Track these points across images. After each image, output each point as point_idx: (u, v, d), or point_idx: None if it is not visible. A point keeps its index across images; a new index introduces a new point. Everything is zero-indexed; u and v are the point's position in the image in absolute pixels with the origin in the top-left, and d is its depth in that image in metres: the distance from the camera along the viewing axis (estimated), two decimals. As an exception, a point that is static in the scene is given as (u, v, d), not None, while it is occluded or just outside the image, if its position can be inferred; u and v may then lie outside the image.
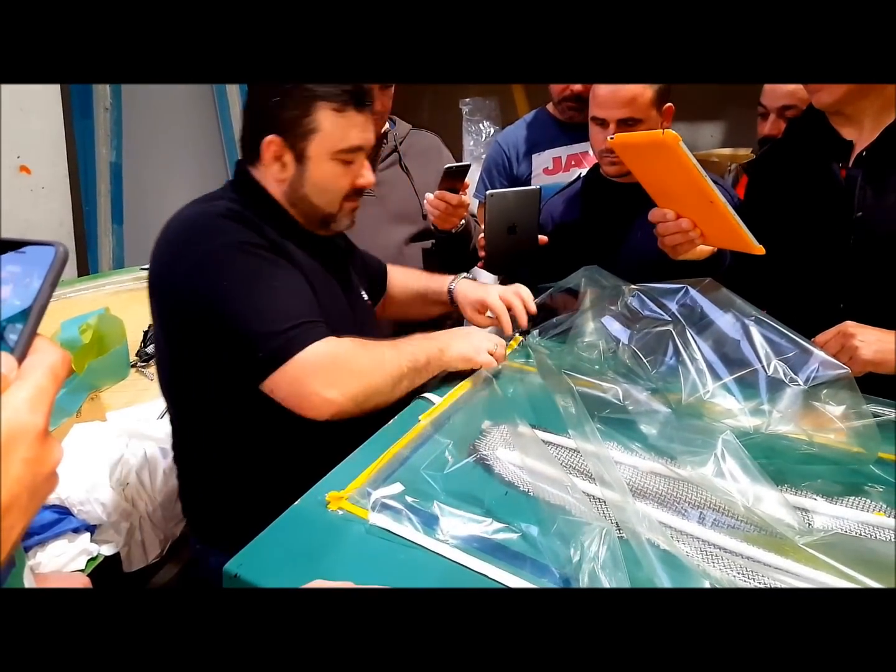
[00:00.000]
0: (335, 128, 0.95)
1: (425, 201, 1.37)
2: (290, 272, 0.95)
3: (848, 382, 0.85)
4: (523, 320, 1.16)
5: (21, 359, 0.34)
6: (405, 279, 1.33)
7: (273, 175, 0.99)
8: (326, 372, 0.88)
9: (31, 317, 0.35)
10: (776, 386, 0.87)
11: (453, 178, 1.31)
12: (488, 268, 1.38)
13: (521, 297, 1.18)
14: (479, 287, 1.23)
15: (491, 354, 1.05)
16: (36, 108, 2.28)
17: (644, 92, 1.26)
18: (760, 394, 0.88)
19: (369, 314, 1.20)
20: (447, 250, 1.46)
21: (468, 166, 1.33)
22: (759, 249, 0.97)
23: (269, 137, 0.96)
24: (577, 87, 1.69)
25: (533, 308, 1.18)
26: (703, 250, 1.09)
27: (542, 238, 1.38)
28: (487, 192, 1.30)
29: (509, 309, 1.17)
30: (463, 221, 1.39)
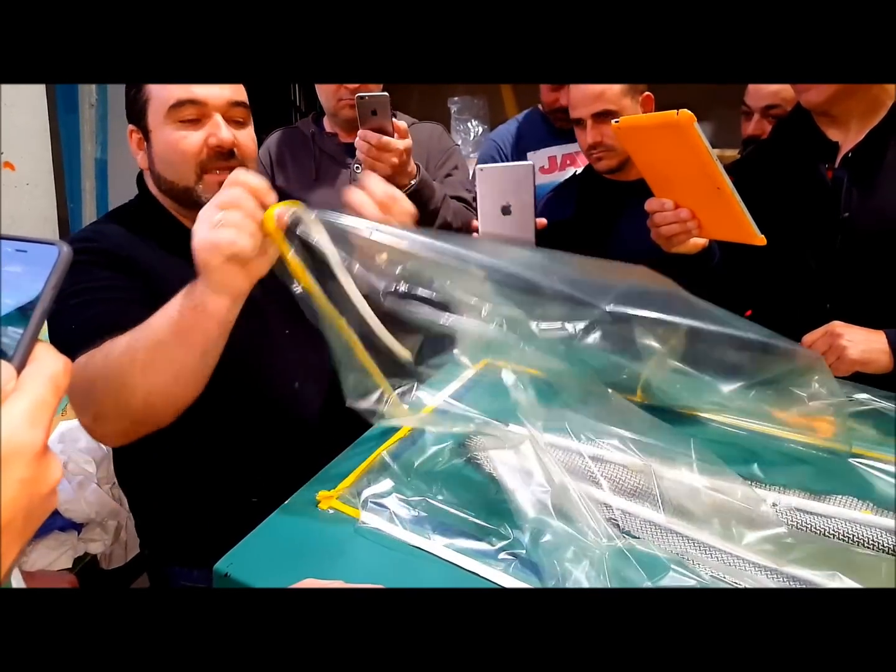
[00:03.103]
0: (160, 88, 0.89)
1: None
2: (100, 283, 0.86)
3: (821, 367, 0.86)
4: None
5: (20, 367, 0.31)
6: None
7: (142, 166, 0.97)
8: (72, 397, 0.76)
9: (31, 322, 0.32)
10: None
11: (372, 115, 1.13)
12: None
13: (391, 196, 0.80)
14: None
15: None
16: (20, 103, 2.25)
17: (611, 84, 1.27)
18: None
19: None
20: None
21: (385, 96, 1.14)
22: (761, 240, 0.96)
23: (129, 127, 0.94)
24: (566, 101, 1.69)
25: (406, 208, 0.80)
26: (696, 243, 1.07)
27: (541, 221, 1.30)
28: (477, 167, 1.23)
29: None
30: (413, 182, 1.21)
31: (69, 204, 2.59)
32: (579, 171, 1.53)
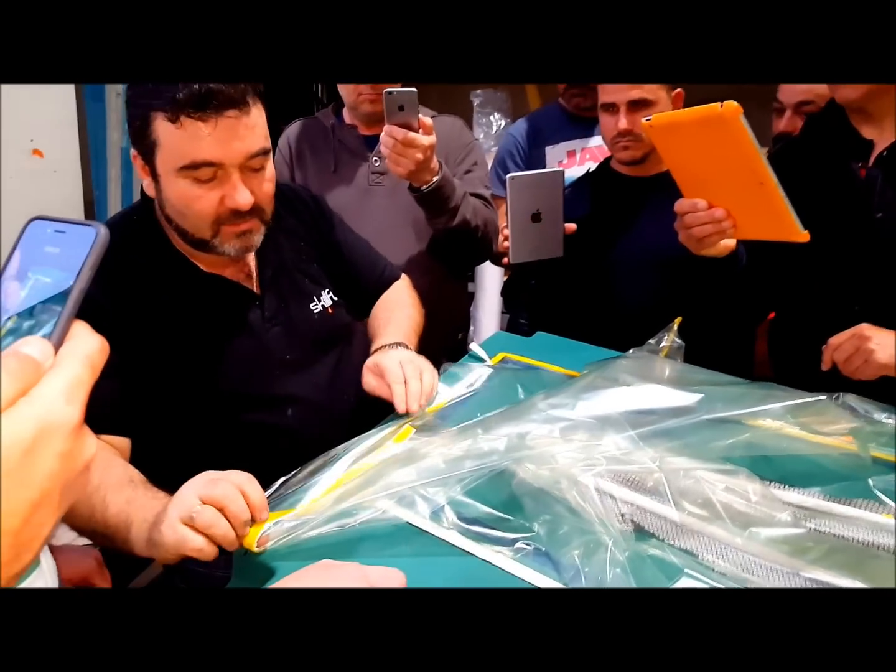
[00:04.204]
0: (172, 141, 0.81)
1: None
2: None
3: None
4: (413, 403, 0.90)
5: (58, 345, 0.32)
6: (378, 314, 1.17)
7: (149, 193, 0.90)
8: None
9: (69, 301, 0.33)
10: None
11: (399, 111, 1.13)
12: (514, 259, 1.28)
13: (421, 375, 0.94)
14: (385, 352, 1.00)
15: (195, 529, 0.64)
16: (48, 92, 2.28)
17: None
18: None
19: (315, 323, 1.04)
20: (427, 211, 1.31)
21: (414, 92, 1.13)
22: (804, 236, 0.92)
23: (133, 151, 0.87)
24: None
25: (430, 394, 0.94)
26: (726, 245, 1.04)
27: (570, 226, 1.29)
28: (508, 176, 1.22)
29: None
30: (436, 179, 1.22)
31: (95, 191, 2.62)
32: (592, 168, 1.51)
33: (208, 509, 0.63)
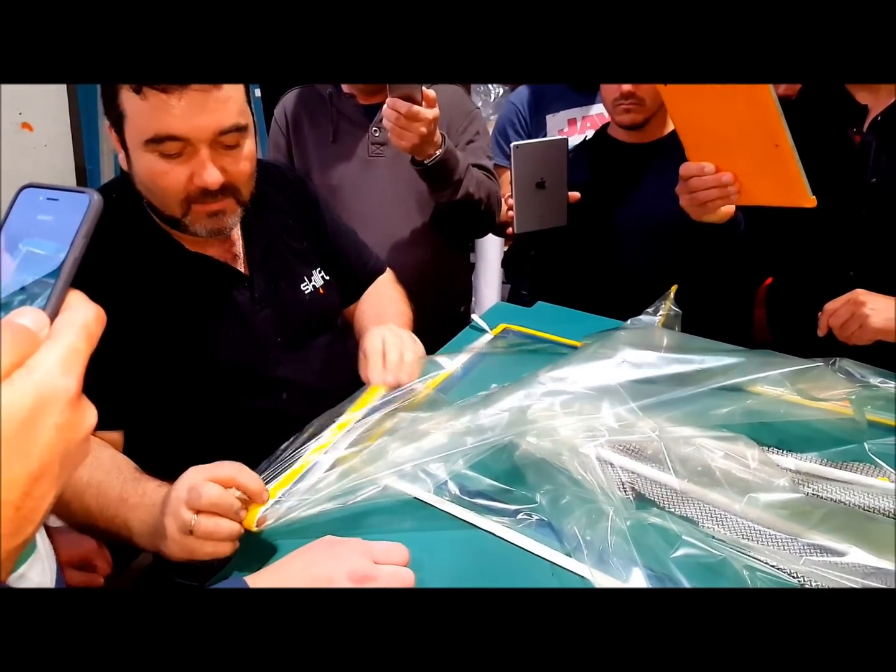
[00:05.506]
0: (137, 113, 0.78)
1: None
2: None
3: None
4: (388, 375, 0.85)
5: (53, 315, 0.32)
6: (366, 308, 1.14)
7: (124, 167, 0.86)
8: None
9: (63, 270, 0.32)
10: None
11: (402, 83, 1.11)
12: (519, 229, 1.27)
13: (402, 354, 0.89)
14: (374, 328, 0.96)
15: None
16: (36, 63, 2.24)
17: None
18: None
19: (306, 304, 1.01)
20: (430, 185, 1.28)
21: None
22: (812, 201, 0.91)
23: (106, 123, 0.84)
24: None
25: (408, 376, 0.87)
26: (726, 211, 1.03)
27: (574, 194, 1.29)
28: (512, 144, 1.21)
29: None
30: (438, 153, 1.19)
31: (87, 165, 2.59)
32: (589, 135, 1.50)
33: (203, 519, 0.64)
